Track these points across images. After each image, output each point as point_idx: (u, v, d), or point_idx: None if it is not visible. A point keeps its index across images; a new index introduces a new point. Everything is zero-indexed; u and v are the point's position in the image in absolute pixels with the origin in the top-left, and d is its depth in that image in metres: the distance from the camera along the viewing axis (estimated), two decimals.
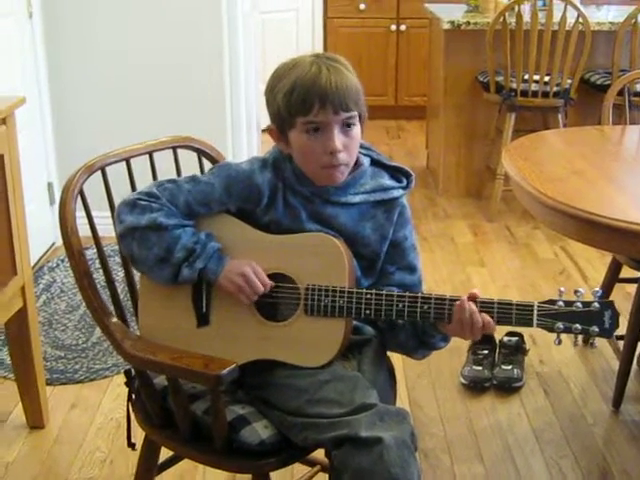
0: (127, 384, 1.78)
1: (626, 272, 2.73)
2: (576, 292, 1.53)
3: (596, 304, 1.51)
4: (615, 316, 1.51)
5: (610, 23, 4.25)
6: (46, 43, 3.73)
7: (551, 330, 1.53)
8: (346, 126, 1.58)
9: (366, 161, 1.68)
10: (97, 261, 1.81)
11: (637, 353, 2.61)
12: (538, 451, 2.38)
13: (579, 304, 1.52)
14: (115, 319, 1.70)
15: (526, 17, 3.97)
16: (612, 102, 2.76)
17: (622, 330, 2.43)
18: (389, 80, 6.35)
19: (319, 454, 1.73)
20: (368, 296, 1.57)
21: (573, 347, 2.92)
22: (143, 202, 1.61)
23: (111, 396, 2.63)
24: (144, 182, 1.71)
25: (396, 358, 1.82)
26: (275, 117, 1.61)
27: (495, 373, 2.72)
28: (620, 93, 2.82)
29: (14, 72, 3.48)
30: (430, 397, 2.66)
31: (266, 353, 1.61)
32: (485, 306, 1.54)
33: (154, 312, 1.68)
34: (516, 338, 2.84)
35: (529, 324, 1.53)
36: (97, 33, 3.75)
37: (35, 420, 2.45)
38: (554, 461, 2.34)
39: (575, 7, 3.89)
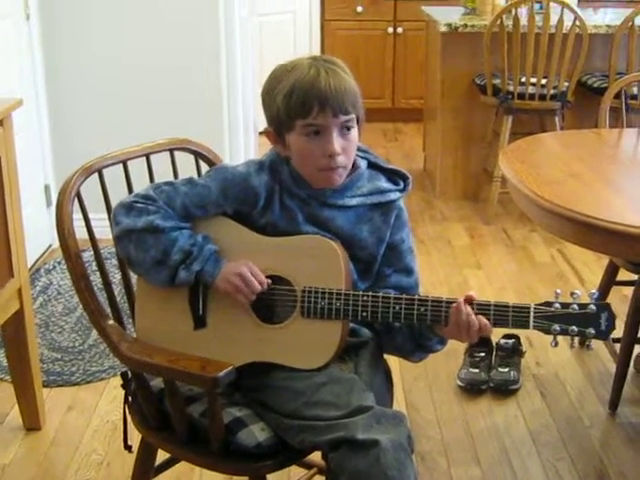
0: (124, 386, 1.78)
1: (623, 275, 2.73)
2: (572, 294, 1.53)
3: (592, 306, 1.51)
4: (611, 318, 1.52)
5: (607, 26, 4.25)
6: (43, 45, 3.72)
7: (547, 332, 1.53)
8: (344, 129, 1.58)
9: (363, 164, 1.68)
10: (94, 263, 1.81)
11: (634, 356, 2.61)
12: (535, 453, 2.38)
13: (575, 306, 1.52)
14: (112, 321, 1.70)
15: (523, 20, 3.97)
16: (609, 105, 2.76)
17: (619, 333, 2.44)
18: (386, 83, 6.34)
19: (316, 457, 1.73)
20: (365, 298, 1.57)
21: (569, 349, 2.91)
22: (140, 204, 1.61)
23: (108, 398, 2.63)
24: (141, 184, 1.71)
25: (393, 361, 1.82)
26: (273, 119, 1.61)
27: (492, 375, 2.72)
28: (617, 96, 2.83)
29: (11, 74, 3.47)
30: (427, 400, 2.66)
31: (263, 355, 1.61)
32: (482, 308, 1.54)
33: (151, 314, 1.68)
34: (512, 340, 2.84)
35: (526, 326, 1.53)
36: (94, 35, 3.75)
37: (32, 422, 2.45)
38: (551, 463, 2.34)
39: (572, 10, 3.90)
